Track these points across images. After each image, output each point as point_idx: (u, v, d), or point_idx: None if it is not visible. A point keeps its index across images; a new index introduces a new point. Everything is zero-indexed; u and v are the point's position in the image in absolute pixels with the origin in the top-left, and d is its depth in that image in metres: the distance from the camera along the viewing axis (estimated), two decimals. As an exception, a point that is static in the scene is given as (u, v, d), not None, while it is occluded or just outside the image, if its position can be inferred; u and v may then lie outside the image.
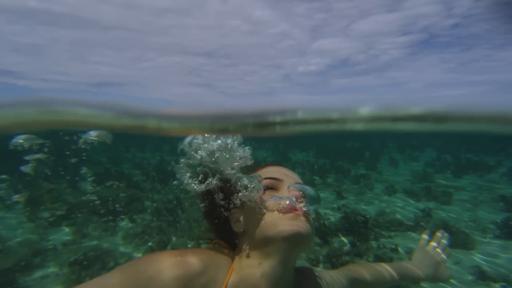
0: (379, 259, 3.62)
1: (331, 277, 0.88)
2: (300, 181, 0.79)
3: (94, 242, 4.28)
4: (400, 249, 4.13)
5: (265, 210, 0.70)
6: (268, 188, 0.76)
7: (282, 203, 0.69)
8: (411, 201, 6.66)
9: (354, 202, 6.60)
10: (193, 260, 0.65)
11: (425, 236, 1.19)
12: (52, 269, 3.56)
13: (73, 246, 4.14)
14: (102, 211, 5.07)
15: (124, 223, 5.00)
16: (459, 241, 4.26)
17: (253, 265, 0.66)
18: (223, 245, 0.78)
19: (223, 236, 0.79)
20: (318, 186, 7.68)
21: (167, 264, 0.62)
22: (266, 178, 0.77)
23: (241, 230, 0.73)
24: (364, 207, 6.22)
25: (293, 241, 0.65)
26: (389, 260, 3.61)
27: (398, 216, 5.50)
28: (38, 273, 3.47)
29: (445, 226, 4.60)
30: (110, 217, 5.00)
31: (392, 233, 4.75)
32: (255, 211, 0.70)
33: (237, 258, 0.71)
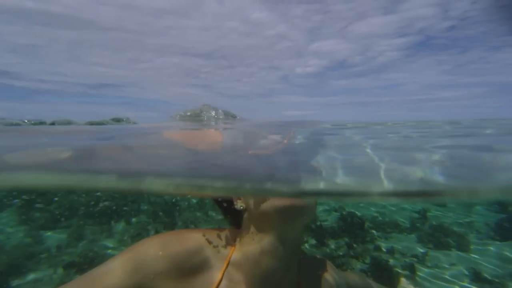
0: (375, 260, 3.64)
1: (342, 275, 0.89)
2: None
3: (90, 245, 4.24)
4: (396, 251, 4.15)
5: None
6: None
7: None
8: (407, 203, 6.70)
9: (350, 203, 6.63)
10: (194, 236, 0.68)
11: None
12: (46, 272, 3.52)
13: (67, 249, 4.09)
14: (97, 213, 5.03)
15: (120, 225, 4.96)
16: (454, 242, 4.30)
17: (253, 242, 0.67)
18: (230, 226, 0.80)
19: (231, 216, 0.81)
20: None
21: (165, 242, 0.65)
22: None
23: (242, 207, 0.74)
24: (360, 208, 6.24)
25: (287, 213, 0.65)
26: (385, 262, 3.63)
27: (394, 217, 5.53)
28: (32, 276, 3.42)
29: (440, 228, 4.64)
30: (106, 219, 4.96)
31: (388, 235, 4.78)
32: None
33: (239, 235, 0.72)
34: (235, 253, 0.68)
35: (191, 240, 0.68)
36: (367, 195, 0.87)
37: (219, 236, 0.71)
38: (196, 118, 1.44)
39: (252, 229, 0.68)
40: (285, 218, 0.66)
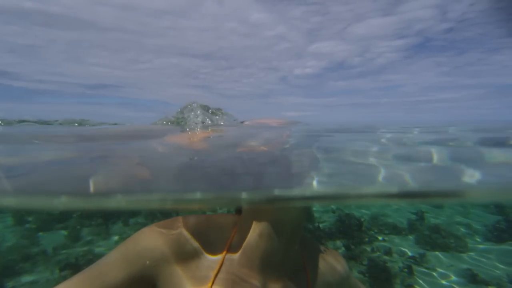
0: (373, 262, 3.65)
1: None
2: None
3: (87, 246, 4.22)
4: (393, 252, 4.16)
5: None
6: None
7: None
8: (404, 204, 6.73)
9: (348, 205, 6.64)
10: (194, 221, 0.70)
11: None
12: (42, 274, 3.49)
13: (64, 250, 4.07)
14: (95, 214, 5.00)
15: (118, 226, 4.94)
16: (451, 244, 4.32)
17: (251, 226, 0.69)
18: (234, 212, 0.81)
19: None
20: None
21: (163, 228, 0.67)
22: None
23: None
24: (358, 210, 6.26)
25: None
26: (382, 263, 3.63)
27: (391, 219, 5.55)
28: (28, 278, 3.40)
29: (437, 229, 4.66)
30: (103, 220, 4.94)
31: (385, 236, 4.79)
32: None
33: (240, 220, 0.73)
34: (235, 237, 0.70)
35: (190, 224, 0.69)
36: (358, 197, 0.87)
37: (220, 221, 0.73)
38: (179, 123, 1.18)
39: (250, 213, 0.70)
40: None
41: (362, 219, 4.88)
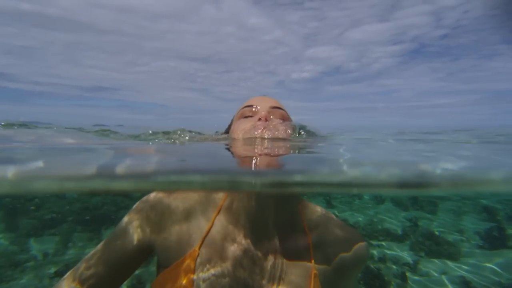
0: (367, 269, 3.65)
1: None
2: (279, 105, 0.84)
3: (78, 252, 4.13)
4: (387, 259, 4.17)
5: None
6: (245, 116, 0.83)
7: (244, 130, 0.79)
8: (399, 211, 6.77)
9: (343, 211, 6.66)
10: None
11: None
12: (31, 282, 3.40)
13: (55, 257, 3.97)
14: (87, 220, 4.91)
15: (111, 231, 4.85)
16: (444, 251, 4.35)
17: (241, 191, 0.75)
18: None
19: None
20: (308, 194, 7.73)
21: (152, 200, 0.74)
22: (243, 108, 0.84)
23: None
24: (352, 216, 6.28)
25: None
26: (376, 270, 3.64)
27: (385, 225, 5.58)
28: (16, 286, 3.31)
29: (431, 236, 4.69)
30: (96, 226, 4.85)
31: (380, 243, 4.80)
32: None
33: None
34: (226, 201, 0.74)
35: (181, 191, 0.75)
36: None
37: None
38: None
39: None
40: None
41: (357, 226, 4.89)
